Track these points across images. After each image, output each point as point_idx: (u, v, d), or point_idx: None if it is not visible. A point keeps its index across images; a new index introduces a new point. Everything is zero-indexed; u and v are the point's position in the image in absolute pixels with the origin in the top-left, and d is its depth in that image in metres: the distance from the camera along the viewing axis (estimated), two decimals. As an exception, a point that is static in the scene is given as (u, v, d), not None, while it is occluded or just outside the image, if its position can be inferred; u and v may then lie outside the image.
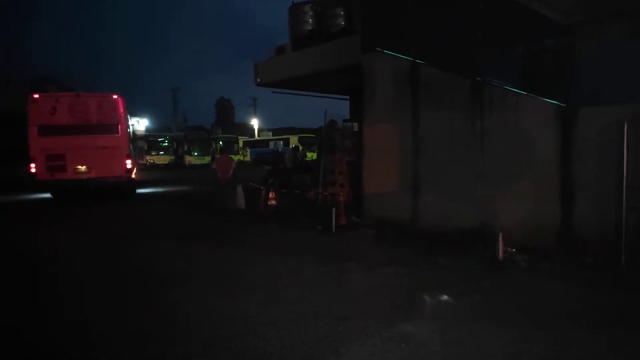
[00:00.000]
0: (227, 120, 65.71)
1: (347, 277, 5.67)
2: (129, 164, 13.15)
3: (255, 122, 60.54)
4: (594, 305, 4.51)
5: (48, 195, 13.73)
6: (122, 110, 13.14)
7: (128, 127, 14.02)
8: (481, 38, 7.08)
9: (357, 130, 11.08)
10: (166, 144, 37.36)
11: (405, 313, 4.31)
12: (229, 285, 5.34)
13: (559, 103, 6.20)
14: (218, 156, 13.61)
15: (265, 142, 41.61)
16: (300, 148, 28.29)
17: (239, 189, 11.15)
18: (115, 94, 13.18)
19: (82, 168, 12.56)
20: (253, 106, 63.35)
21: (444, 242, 7.08)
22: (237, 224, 9.60)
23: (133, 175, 13.81)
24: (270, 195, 10.65)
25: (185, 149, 36.07)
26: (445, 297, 4.72)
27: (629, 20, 6.24)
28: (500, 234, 6.18)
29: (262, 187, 10.94)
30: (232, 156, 38.92)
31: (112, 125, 12.91)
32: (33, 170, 12.26)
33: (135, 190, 14.75)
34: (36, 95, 12.46)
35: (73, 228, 9.69)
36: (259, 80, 12.83)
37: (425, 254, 6.66)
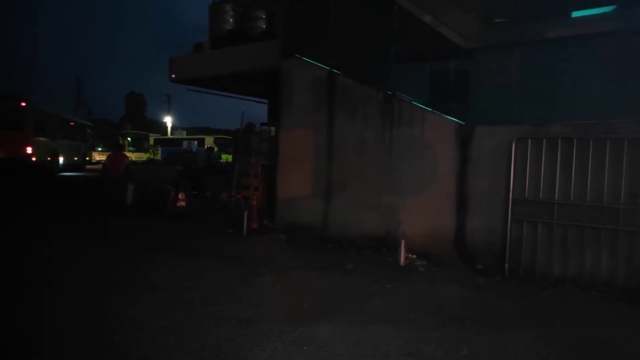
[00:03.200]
0: (138, 115, 62.17)
1: (255, 281, 5.61)
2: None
3: (168, 120, 58.03)
4: (482, 308, 4.91)
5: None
6: None
7: None
8: (395, 54, 7.46)
9: (274, 134, 11.09)
10: None
11: (310, 316, 4.36)
12: (128, 288, 5.03)
13: (458, 121, 6.72)
14: (110, 152, 13.40)
15: (178, 141, 39.94)
16: (215, 149, 27.62)
17: (131, 185, 11.09)
18: None
19: None
20: (167, 103, 60.68)
21: (352, 248, 7.31)
22: (141, 225, 9.09)
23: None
24: (180, 196, 10.24)
25: (90, 143, 33.40)
26: (350, 300, 4.86)
27: (523, 50, 6.94)
28: (403, 241, 6.52)
29: (171, 188, 10.49)
30: (142, 154, 36.88)
31: None
32: None
33: None
34: None
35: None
36: (173, 76, 12.32)
37: (334, 259, 6.82)
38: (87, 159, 23.18)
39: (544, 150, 5.93)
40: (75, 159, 21.74)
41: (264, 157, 11.33)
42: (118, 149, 12.58)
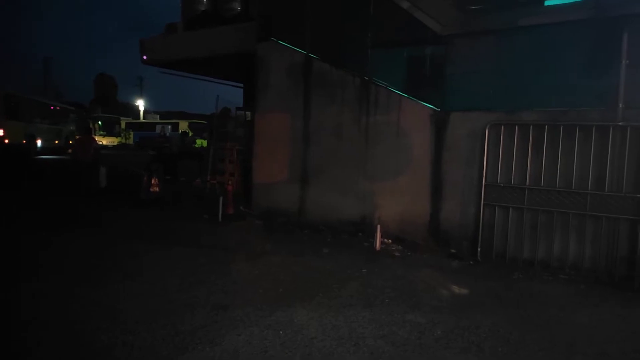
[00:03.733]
0: (109, 98, 60.35)
1: (230, 267, 5.57)
2: None
3: (140, 103, 56.61)
4: (455, 291, 5.02)
5: None
6: None
7: None
8: (372, 39, 7.43)
9: (250, 119, 10.95)
10: None
11: (287, 301, 4.37)
12: (99, 276, 4.93)
13: (433, 107, 6.77)
14: (78, 136, 13.36)
15: (151, 125, 39.04)
16: (190, 134, 27.18)
17: (102, 169, 11.14)
18: None
19: None
20: (139, 86, 59.09)
21: (329, 233, 7.35)
22: (113, 210, 8.90)
23: None
24: (153, 181, 10.05)
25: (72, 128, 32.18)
26: (326, 285, 4.89)
27: (497, 37, 7.01)
28: (378, 226, 6.59)
29: (144, 173, 10.27)
30: (113, 138, 35.86)
31: None
32: None
33: None
34: None
35: None
36: (145, 57, 11.96)
37: (310, 244, 6.84)
38: (70, 142, 23.21)
39: (516, 136, 6.05)
40: (56, 142, 22.15)
41: (240, 142, 11.22)
42: (87, 133, 12.26)
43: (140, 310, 3.99)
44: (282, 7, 8.63)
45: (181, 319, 3.82)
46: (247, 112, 12.30)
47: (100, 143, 20.00)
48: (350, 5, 7.89)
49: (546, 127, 5.86)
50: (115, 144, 35.40)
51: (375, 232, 6.60)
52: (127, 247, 6.19)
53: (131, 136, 38.05)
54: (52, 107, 22.96)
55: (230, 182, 9.57)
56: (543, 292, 5.10)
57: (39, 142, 20.19)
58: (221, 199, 8.41)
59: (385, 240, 6.81)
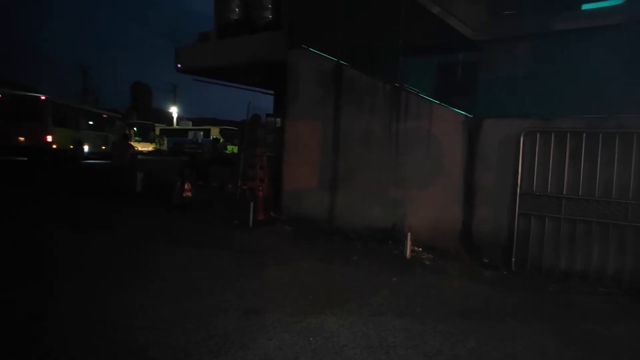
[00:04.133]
0: (144, 105, 62.17)
1: (261, 272, 5.63)
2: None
3: (174, 110, 58.02)
4: (488, 301, 4.92)
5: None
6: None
7: None
8: (402, 45, 7.40)
9: (280, 125, 11.07)
10: None
11: (317, 307, 4.38)
12: (133, 277, 5.07)
13: (466, 114, 6.68)
14: (116, 142, 14.30)
15: (184, 132, 39.96)
16: (221, 140, 27.63)
17: (139, 174, 11.42)
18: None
19: None
20: (173, 93, 60.63)
21: (358, 240, 7.32)
22: (146, 214, 9.14)
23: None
24: (186, 186, 10.26)
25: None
26: (356, 292, 4.88)
27: (531, 42, 6.87)
28: (409, 234, 6.52)
29: (177, 178, 10.51)
30: (148, 144, 36.98)
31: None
32: None
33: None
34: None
35: None
36: (179, 66, 12.29)
37: (340, 251, 6.83)
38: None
39: (552, 144, 5.89)
40: (103, 147, 23.33)
41: (270, 149, 11.34)
42: (124, 139, 12.71)
43: (173, 312, 4.08)
44: (313, 14, 8.71)
45: (214, 322, 3.89)
46: (277, 119, 12.45)
47: (136, 149, 20.83)
48: (381, 12, 7.89)
49: (584, 134, 5.68)
50: (150, 149, 36.35)
51: (406, 239, 6.54)
52: (160, 250, 6.34)
53: (165, 142, 39.01)
54: (104, 115, 24.79)
55: (260, 188, 9.68)
56: (581, 304, 4.93)
57: (86, 148, 21.34)
58: (252, 204, 8.51)
59: (416, 248, 6.74)
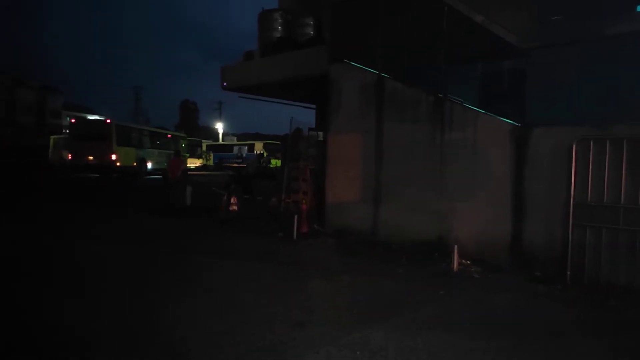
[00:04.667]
0: (191, 122, 64.54)
1: (306, 285, 5.67)
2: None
3: (219, 126, 59.80)
4: (541, 317, 4.70)
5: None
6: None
7: None
8: (445, 55, 7.33)
9: (322, 139, 11.17)
10: None
11: (362, 321, 4.35)
12: (184, 290, 5.23)
13: (513, 122, 6.49)
14: (170, 159, 15.55)
15: (229, 147, 41.08)
16: (265, 154, 28.18)
17: (189, 188, 12.09)
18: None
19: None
20: (218, 110, 62.61)
21: (403, 253, 7.21)
22: (196, 228, 9.43)
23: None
24: (232, 200, 10.53)
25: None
26: (402, 306, 4.81)
27: (579, 47, 6.63)
28: (456, 247, 6.37)
29: (224, 193, 10.81)
30: (196, 160, 38.89)
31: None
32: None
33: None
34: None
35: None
36: (225, 84, 12.71)
37: (384, 264, 6.77)
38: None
39: (607, 151, 5.62)
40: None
41: (312, 162, 11.44)
42: (176, 155, 13.57)
43: (222, 324, 4.17)
44: (353, 28, 8.80)
45: (261, 335, 3.95)
46: (319, 132, 12.56)
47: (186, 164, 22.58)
48: (422, 22, 7.86)
49: (643, 141, 5.38)
50: (198, 165, 37.58)
51: (452, 252, 6.39)
52: (207, 263, 6.53)
53: (211, 157, 40.21)
54: (168, 135, 28.64)
55: (304, 201, 9.77)
56: (645, 322, 4.62)
57: (149, 165, 24.13)
58: (295, 217, 8.61)
59: (463, 261, 6.57)
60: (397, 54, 8.08)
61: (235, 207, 10.43)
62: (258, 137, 49.44)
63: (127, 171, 21.64)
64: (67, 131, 27.19)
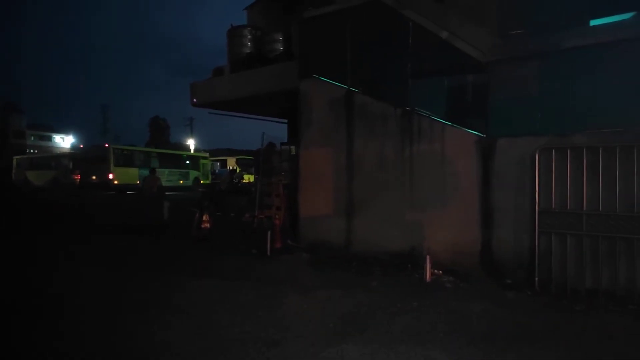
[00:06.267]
0: (162, 139, 63.53)
1: (280, 301, 5.62)
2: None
3: (191, 142, 59.11)
4: (512, 324, 4.80)
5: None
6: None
7: None
8: (412, 70, 7.50)
9: (294, 153, 11.19)
10: None
11: (338, 336, 4.34)
12: (154, 311, 5.10)
13: (479, 134, 6.68)
14: (146, 176, 16.01)
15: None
16: (238, 170, 28.01)
17: (166, 203, 12.15)
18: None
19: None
20: (189, 126, 61.95)
21: (377, 265, 7.26)
22: (168, 247, 9.24)
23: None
24: (204, 217, 10.38)
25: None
26: (376, 319, 4.82)
27: (538, 60, 6.89)
28: (428, 257, 6.45)
29: (196, 210, 10.65)
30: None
31: None
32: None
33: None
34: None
35: None
36: (195, 100, 12.63)
37: (359, 277, 6.78)
38: (201, 182, 30.61)
39: (568, 160, 5.84)
40: (182, 182, 29.02)
41: (285, 177, 11.43)
42: (152, 173, 14.08)
43: (195, 344, 4.09)
44: (322, 44, 8.91)
45: (234, 355, 3.88)
46: (291, 147, 12.58)
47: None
48: (389, 38, 8.03)
49: (601, 149, 5.62)
50: (160, 180, 37.08)
51: (425, 263, 6.47)
52: (179, 282, 6.39)
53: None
54: (181, 155, 31.85)
55: (277, 216, 9.72)
56: (609, 324, 4.78)
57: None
58: (269, 233, 8.55)
59: (436, 271, 6.65)
60: (366, 68, 8.22)
61: (207, 225, 10.28)
62: (231, 152, 49.07)
63: (124, 189, 23.95)
64: (72, 154, 31.40)
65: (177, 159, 30.66)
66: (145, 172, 24.46)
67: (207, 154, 35.89)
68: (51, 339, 4.30)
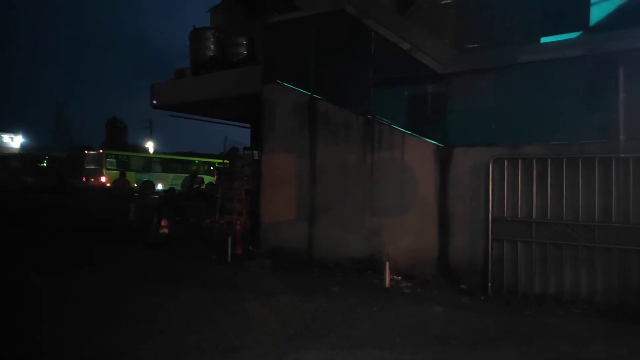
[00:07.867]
0: (119, 141, 61.50)
1: (241, 307, 5.57)
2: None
3: (150, 145, 57.55)
4: (466, 327, 4.97)
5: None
6: None
7: None
8: (374, 79, 7.66)
9: (257, 158, 11.13)
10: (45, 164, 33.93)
11: (298, 342, 4.35)
12: (109, 317, 4.95)
13: (437, 143, 6.90)
14: (116, 179, 16.41)
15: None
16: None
17: (132, 205, 12.41)
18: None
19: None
20: (149, 128, 60.28)
21: (338, 271, 7.32)
22: (123, 252, 8.96)
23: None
24: (163, 223, 10.13)
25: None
26: (336, 324, 4.87)
27: (494, 73, 7.19)
28: (387, 263, 6.58)
29: (153, 215, 10.38)
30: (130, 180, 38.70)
31: None
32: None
33: None
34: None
35: None
36: (155, 102, 12.35)
37: (320, 282, 6.82)
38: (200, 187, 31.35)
39: (519, 170, 6.12)
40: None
41: (248, 182, 11.35)
42: (121, 176, 14.73)
43: (152, 353, 3.99)
44: (286, 50, 8.95)
45: (192, 363, 3.82)
46: (254, 152, 12.51)
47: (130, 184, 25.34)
48: (353, 47, 8.17)
49: (549, 160, 5.94)
50: (129, 183, 36.37)
51: (384, 269, 6.59)
52: (137, 289, 6.22)
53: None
54: (186, 160, 33.71)
55: (238, 222, 9.63)
56: (556, 327, 5.03)
57: (159, 186, 28.40)
58: (230, 239, 8.46)
59: (395, 277, 6.79)
60: (329, 75, 8.32)
61: (165, 230, 10.03)
62: (192, 156, 48.12)
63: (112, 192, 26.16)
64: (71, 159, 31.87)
65: (185, 163, 32.34)
66: (148, 175, 27.71)
67: (221, 160, 35.95)
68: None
